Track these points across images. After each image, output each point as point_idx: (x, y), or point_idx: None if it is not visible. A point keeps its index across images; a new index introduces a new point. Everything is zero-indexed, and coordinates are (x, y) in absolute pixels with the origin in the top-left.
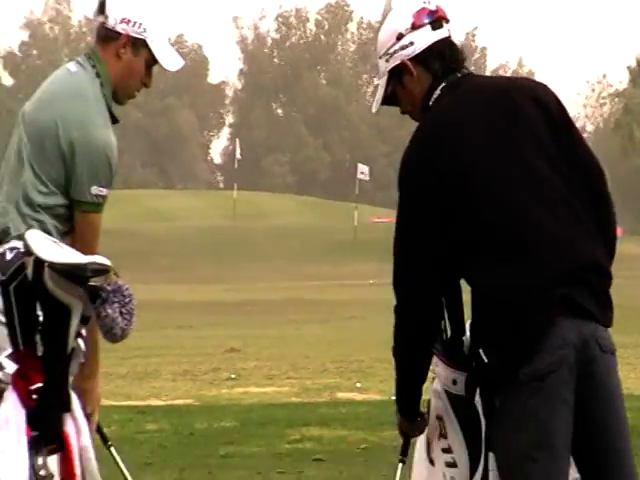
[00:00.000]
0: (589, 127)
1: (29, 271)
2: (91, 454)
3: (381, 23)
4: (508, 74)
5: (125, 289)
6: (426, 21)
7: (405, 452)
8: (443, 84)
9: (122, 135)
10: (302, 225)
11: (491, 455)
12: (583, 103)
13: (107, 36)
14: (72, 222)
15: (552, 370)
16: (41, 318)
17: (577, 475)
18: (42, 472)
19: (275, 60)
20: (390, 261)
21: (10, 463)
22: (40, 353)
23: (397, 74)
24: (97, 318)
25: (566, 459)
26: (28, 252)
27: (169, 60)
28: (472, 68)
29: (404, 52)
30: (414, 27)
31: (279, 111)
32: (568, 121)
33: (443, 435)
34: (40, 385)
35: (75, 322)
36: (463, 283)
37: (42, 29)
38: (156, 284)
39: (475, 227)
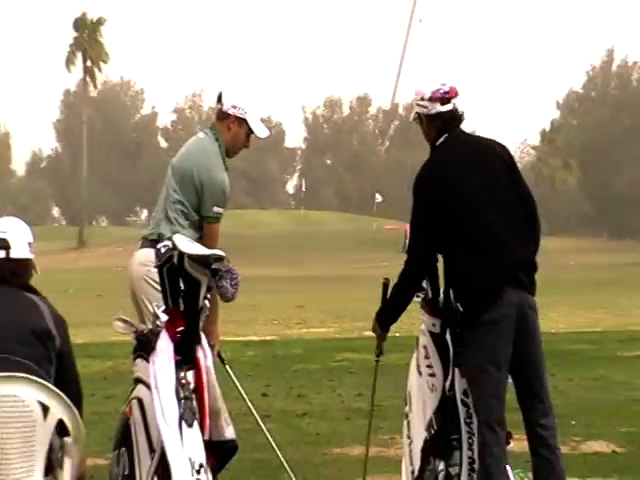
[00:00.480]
0: None
1: (175, 259)
2: (212, 370)
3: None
4: None
5: (234, 270)
6: (438, 97)
7: (379, 354)
8: (446, 135)
9: (232, 176)
10: (342, 230)
11: (457, 370)
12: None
13: (222, 116)
14: (201, 230)
15: (502, 318)
16: (182, 288)
17: (510, 380)
18: (183, 381)
19: (325, 130)
20: (396, 252)
21: (165, 376)
22: (182, 309)
23: (418, 117)
24: (216, 288)
25: (505, 373)
26: (174, 247)
27: (261, 131)
28: None
29: (421, 110)
30: (430, 99)
31: (328, 161)
32: (514, 167)
33: (427, 357)
34: (182, 328)
35: (203, 290)
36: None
37: (184, 113)
38: (253, 267)
39: (458, 229)
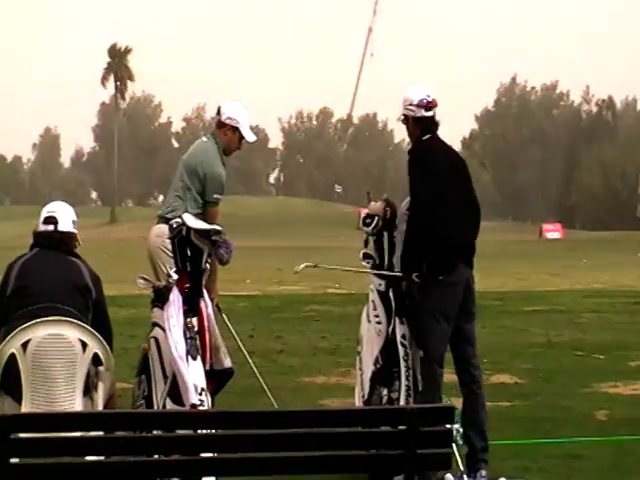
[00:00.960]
0: None
1: (184, 232)
2: (212, 317)
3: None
4: None
5: (228, 241)
6: (423, 104)
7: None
8: (429, 135)
9: (228, 169)
10: (311, 213)
11: (397, 319)
12: None
13: (220, 125)
14: (202, 209)
15: (457, 283)
16: (189, 254)
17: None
18: (189, 325)
19: (298, 136)
20: (352, 229)
21: (175, 321)
22: (188, 270)
23: (405, 118)
24: (215, 254)
25: (452, 326)
26: (183, 223)
27: (250, 136)
28: None
29: (409, 113)
30: (417, 105)
31: (301, 160)
32: (469, 175)
33: (374, 309)
34: (188, 285)
35: (205, 256)
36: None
37: (191, 121)
38: (243, 239)
39: (436, 203)
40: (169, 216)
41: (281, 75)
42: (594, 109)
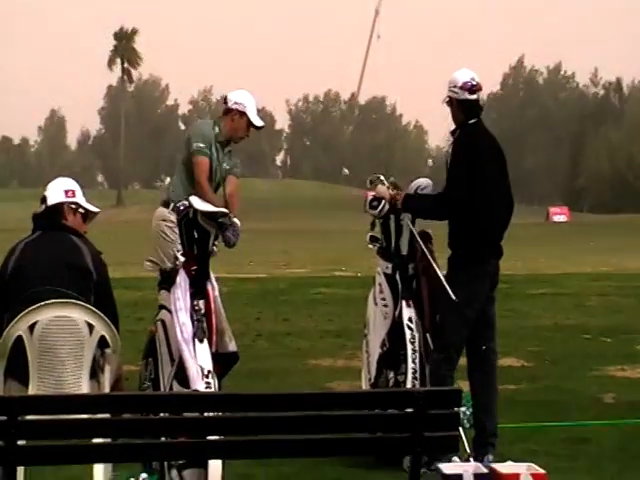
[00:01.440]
0: None
1: (191, 214)
2: (219, 300)
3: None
4: None
5: (236, 224)
6: (467, 87)
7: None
8: (473, 119)
9: (235, 153)
10: (317, 195)
11: (403, 302)
12: None
13: (227, 111)
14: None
15: (486, 274)
16: (196, 236)
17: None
18: (196, 307)
19: (305, 118)
20: (359, 212)
21: (182, 303)
22: (195, 252)
23: (450, 100)
24: (222, 236)
25: (475, 314)
26: (190, 205)
27: (257, 121)
28: None
29: (453, 94)
30: (461, 87)
31: (307, 142)
32: (506, 164)
33: (381, 292)
34: (195, 267)
35: (212, 238)
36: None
37: (198, 104)
38: (250, 222)
39: (476, 191)
40: (166, 200)
41: (288, 57)
42: (601, 92)
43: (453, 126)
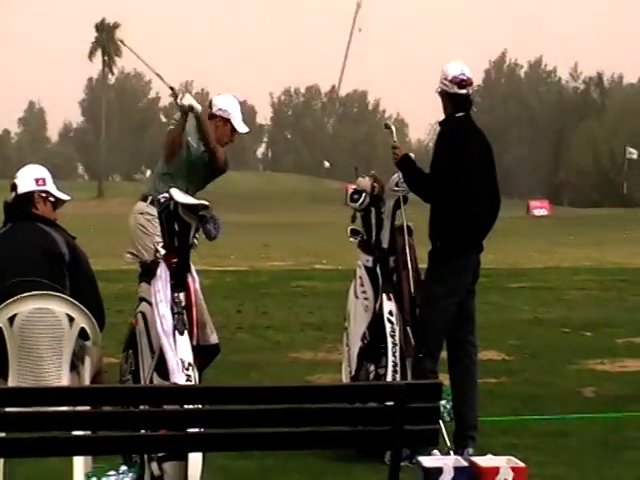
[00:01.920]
0: None
1: (171, 207)
2: (200, 292)
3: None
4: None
5: (216, 216)
6: (457, 81)
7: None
8: (462, 113)
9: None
10: (298, 188)
11: (384, 295)
12: None
13: (211, 117)
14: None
15: (467, 267)
16: (177, 229)
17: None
18: (177, 300)
19: (286, 111)
20: (340, 205)
21: (162, 296)
22: (176, 244)
23: (441, 92)
24: (203, 229)
25: (456, 307)
26: (171, 198)
27: (241, 128)
28: None
29: (443, 87)
30: (451, 81)
31: (288, 135)
32: (494, 160)
33: (362, 285)
34: (176, 260)
35: (192, 231)
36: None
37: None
38: (231, 214)
39: (458, 183)
40: (146, 194)
41: (269, 50)
42: (581, 86)
43: (436, 118)
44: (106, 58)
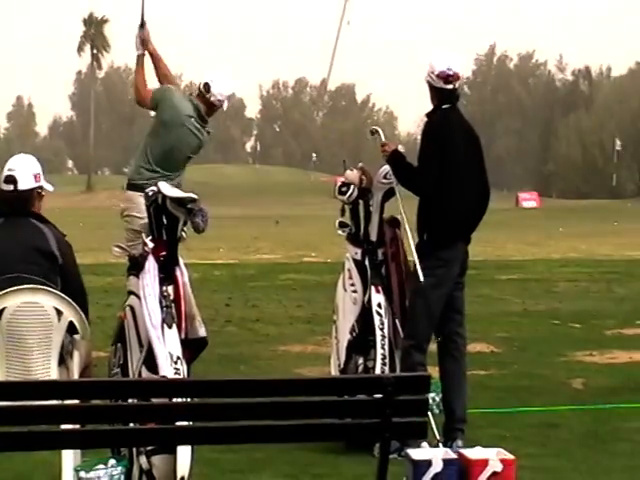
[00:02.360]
0: None
1: (159, 200)
2: (188, 285)
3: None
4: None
5: (205, 209)
6: (443, 76)
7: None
8: (448, 105)
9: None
10: (287, 181)
11: (372, 287)
12: None
13: (211, 104)
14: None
15: (454, 258)
16: (165, 222)
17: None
18: (165, 293)
19: (275, 104)
20: (328, 197)
21: (151, 289)
22: (165, 238)
23: (428, 84)
24: (191, 222)
25: (445, 297)
26: (159, 191)
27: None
28: None
29: (431, 80)
30: (437, 76)
31: (277, 128)
32: (482, 152)
33: (350, 277)
34: (164, 253)
35: (181, 224)
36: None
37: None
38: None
39: (444, 174)
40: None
41: (258, 43)
42: (569, 78)
43: (425, 111)
44: (94, 52)
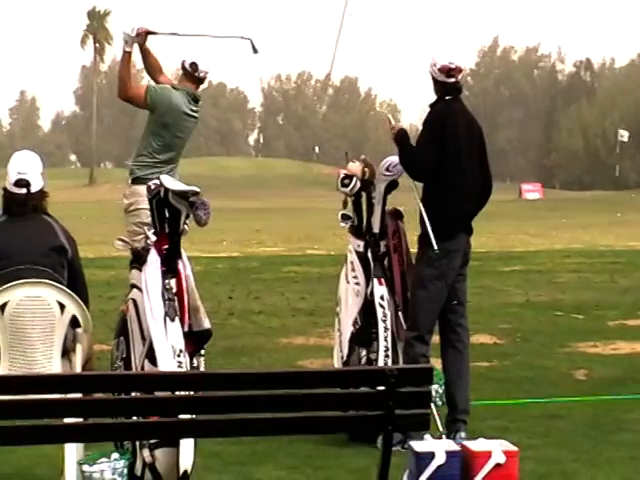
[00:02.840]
0: None
1: (162, 193)
2: (191, 278)
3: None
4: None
5: (206, 202)
6: (444, 70)
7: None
8: (450, 97)
9: (207, 131)
10: (289, 174)
11: (375, 279)
12: None
13: (199, 79)
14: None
15: (455, 250)
16: (167, 216)
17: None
18: (167, 286)
19: (277, 97)
20: (331, 190)
21: (153, 282)
22: (167, 231)
23: (431, 76)
24: (193, 215)
25: (447, 288)
26: (162, 184)
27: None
28: None
29: (433, 73)
30: (439, 69)
31: (280, 121)
32: (484, 143)
33: (353, 270)
34: (167, 246)
35: (183, 217)
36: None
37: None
38: (222, 200)
39: (444, 162)
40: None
41: (261, 36)
42: (570, 69)
43: (427, 103)
44: (97, 45)
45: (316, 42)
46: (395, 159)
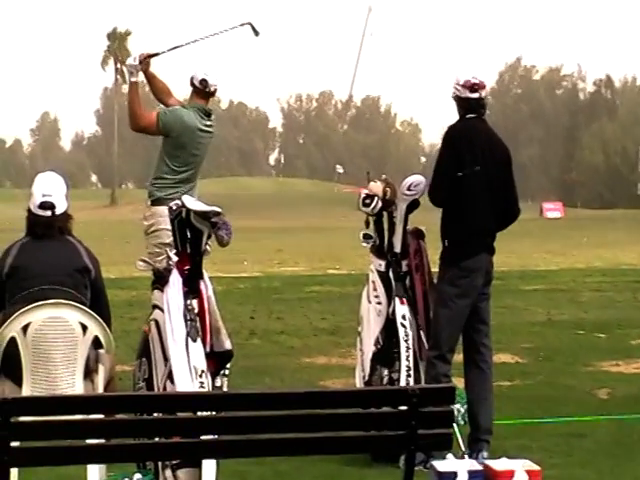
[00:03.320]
0: None
1: (183, 214)
2: (213, 299)
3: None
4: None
5: (228, 222)
6: (468, 85)
7: None
8: (472, 115)
9: (229, 151)
10: (311, 193)
11: (397, 299)
12: None
13: (210, 94)
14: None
15: (477, 269)
16: (189, 236)
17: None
18: (189, 307)
19: (298, 117)
20: (352, 209)
21: (175, 303)
22: (189, 251)
23: (454, 95)
24: (215, 235)
25: (469, 307)
26: (183, 205)
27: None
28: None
29: (456, 92)
30: (463, 85)
31: (300, 140)
32: (510, 166)
33: (374, 289)
34: (188, 267)
35: (205, 238)
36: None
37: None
38: (243, 220)
39: (463, 183)
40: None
41: (282, 56)
42: (591, 87)
43: (449, 122)
44: (118, 66)
45: (337, 62)
46: (417, 179)
